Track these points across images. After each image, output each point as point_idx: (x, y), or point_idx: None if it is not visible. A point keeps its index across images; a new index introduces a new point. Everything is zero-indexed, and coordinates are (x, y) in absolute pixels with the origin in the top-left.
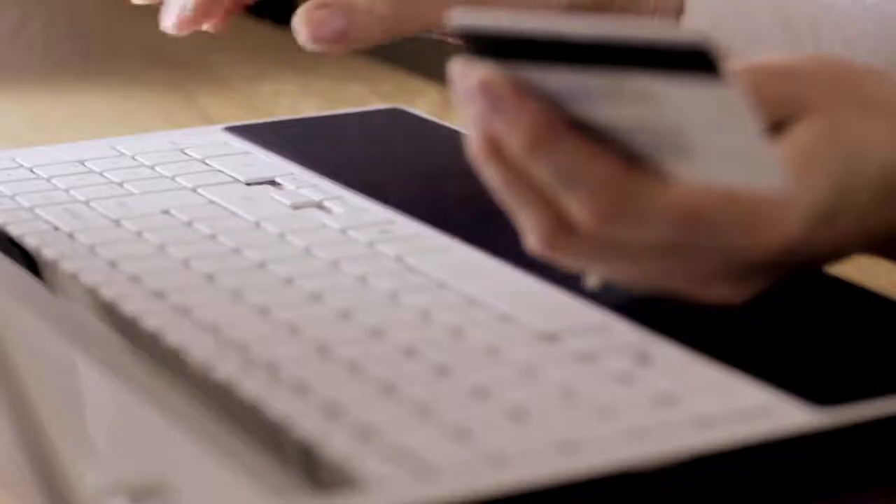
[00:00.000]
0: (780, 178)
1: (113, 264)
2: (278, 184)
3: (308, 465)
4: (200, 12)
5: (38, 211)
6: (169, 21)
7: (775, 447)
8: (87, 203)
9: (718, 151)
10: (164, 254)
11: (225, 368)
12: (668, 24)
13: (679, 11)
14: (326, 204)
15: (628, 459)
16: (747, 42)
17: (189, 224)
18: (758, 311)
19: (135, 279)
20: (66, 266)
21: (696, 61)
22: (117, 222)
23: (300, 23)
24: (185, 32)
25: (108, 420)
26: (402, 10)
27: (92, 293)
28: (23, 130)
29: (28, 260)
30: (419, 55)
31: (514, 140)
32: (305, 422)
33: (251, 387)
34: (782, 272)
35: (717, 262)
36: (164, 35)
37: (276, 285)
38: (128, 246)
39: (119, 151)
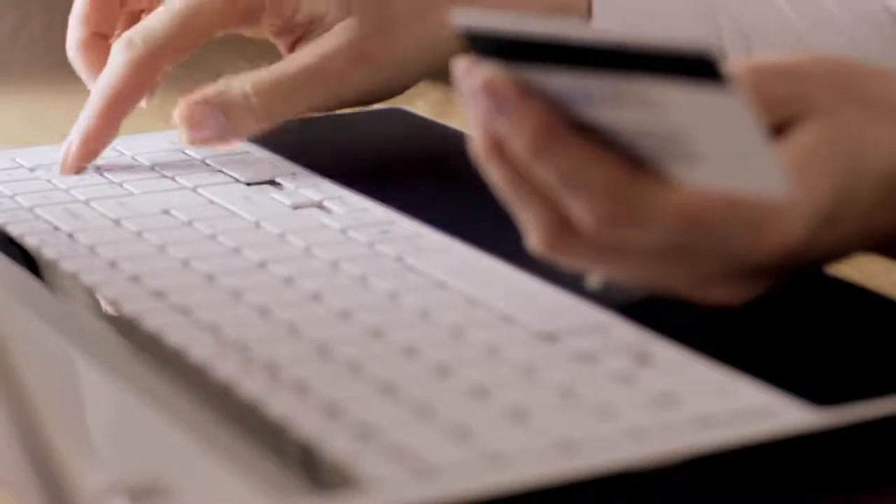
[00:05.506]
0: (782, 182)
1: (113, 264)
2: (278, 184)
3: (308, 465)
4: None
5: (38, 211)
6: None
7: (775, 447)
8: (87, 203)
9: (721, 156)
10: (164, 254)
11: (225, 368)
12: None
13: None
14: (326, 204)
15: (628, 459)
16: None
17: (189, 224)
18: (757, 311)
19: (135, 279)
20: (66, 266)
21: (699, 67)
22: (117, 222)
23: (180, 121)
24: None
25: (108, 420)
26: (277, 101)
27: (92, 293)
28: (23, 130)
29: (28, 260)
30: None
31: (518, 142)
32: (305, 422)
33: (251, 387)
34: (784, 274)
35: (719, 264)
36: None
37: (276, 285)
38: (128, 246)
39: (119, 151)
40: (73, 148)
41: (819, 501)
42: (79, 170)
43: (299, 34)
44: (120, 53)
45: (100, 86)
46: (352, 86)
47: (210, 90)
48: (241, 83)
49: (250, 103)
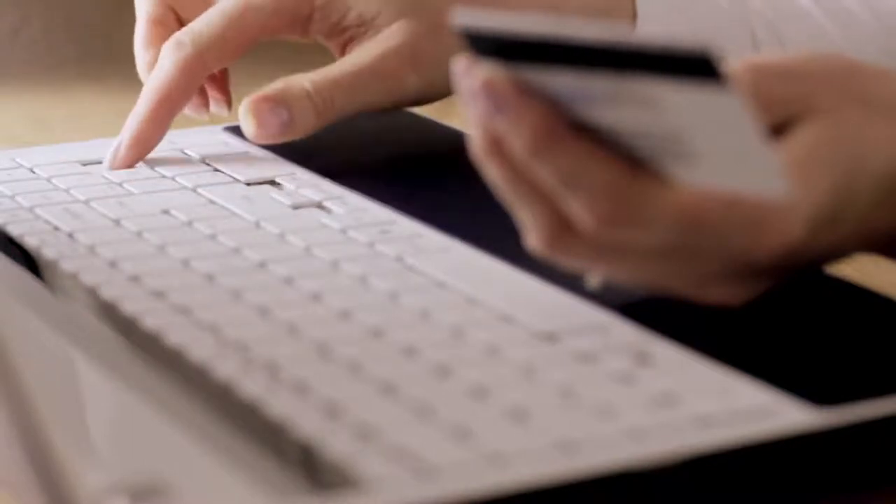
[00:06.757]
0: (781, 183)
1: (113, 264)
2: (278, 184)
3: (308, 465)
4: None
5: (38, 211)
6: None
7: (775, 447)
8: (87, 203)
9: (720, 156)
10: (164, 254)
11: (225, 368)
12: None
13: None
14: (326, 204)
15: (628, 459)
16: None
17: (189, 224)
18: (757, 311)
19: (135, 279)
20: (66, 266)
21: (698, 67)
22: (117, 222)
23: (246, 117)
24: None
25: (108, 420)
26: (336, 98)
27: (92, 293)
28: (23, 130)
29: (28, 260)
30: None
31: (517, 142)
32: (305, 422)
33: (251, 387)
34: (784, 274)
35: (719, 264)
36: None
37: (276, 285)
38: (128, 246)
39: None
40: (124, 147)
41: (819, 501)
42: (128, 167)
43: (350, 36)
44: (169, 54)
45: (149, 86)
46: (405, 86)
47: (271, 88)
48: (301, 81)
49: (312, 100)
